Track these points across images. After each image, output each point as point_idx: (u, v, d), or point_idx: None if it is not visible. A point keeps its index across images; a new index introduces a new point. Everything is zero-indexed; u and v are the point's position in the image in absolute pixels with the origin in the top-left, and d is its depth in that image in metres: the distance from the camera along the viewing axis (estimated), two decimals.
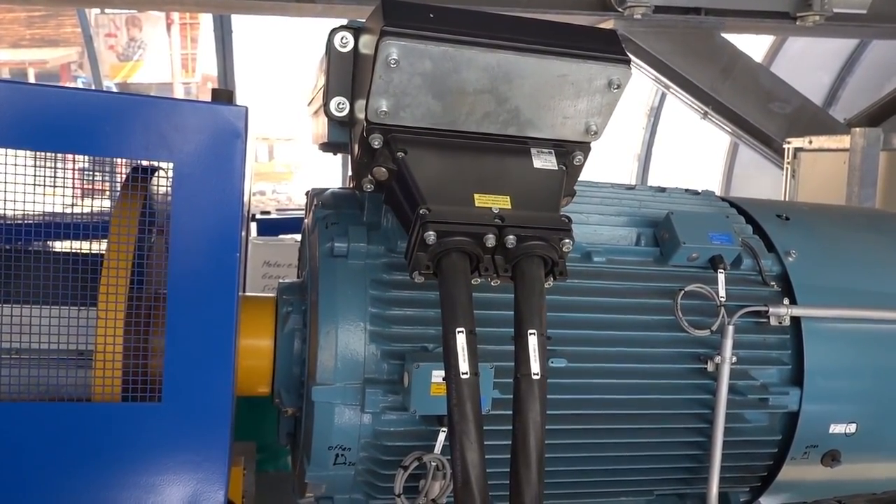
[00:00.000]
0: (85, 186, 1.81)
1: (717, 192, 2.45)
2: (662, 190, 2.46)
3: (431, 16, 1.50)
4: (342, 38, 1.72)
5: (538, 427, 1.45)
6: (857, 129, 4.40)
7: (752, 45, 7.74)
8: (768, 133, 5.34)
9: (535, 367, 1.47)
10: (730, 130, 5.67)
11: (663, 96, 8.42)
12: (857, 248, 2.36)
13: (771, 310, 2.09)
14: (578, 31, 1.60)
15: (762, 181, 7.58)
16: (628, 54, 1.67)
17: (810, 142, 4.88)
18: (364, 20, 1.69)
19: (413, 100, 1.56)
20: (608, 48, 1.59)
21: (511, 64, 1.54)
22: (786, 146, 5.08)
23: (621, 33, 4.70)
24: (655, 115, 8.63)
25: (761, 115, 5.24)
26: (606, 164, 9.24)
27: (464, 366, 1.45)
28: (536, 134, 1.69)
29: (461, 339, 1.46)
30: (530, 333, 1.49)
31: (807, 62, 8.33)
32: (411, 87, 1.53)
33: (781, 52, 8.20)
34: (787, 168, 5.07)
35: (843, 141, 4.56)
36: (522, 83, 1.57)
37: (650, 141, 8.78)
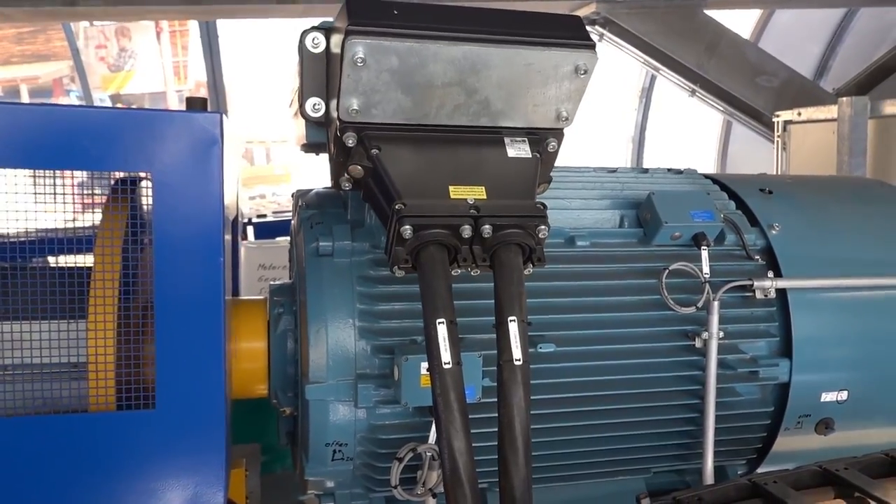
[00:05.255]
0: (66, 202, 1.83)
1: (713, 170, 2.47)
2: (645, 171, 2.48)
3: (395, 12, 1.51)
4: (314, 39, 1.72)
5: (523, 412, 1.47)
6: (844, 99, 4.39)
7: (740, 19, 7.72)
8: (757, 107, 5.33)
9: (516, 353, 1.49)
10: (719, 107, 5.66)
11: (653, 77, 8.40)
12: (840, 217, 2.37)
13: (756, 283, 2.11)
14: (542, 18, 1.61)
15: (757, 156, 7.57)
16: (594, 39, 1.68)
17: (799, 114, 4.88)
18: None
19: (383, 96, 1.57)
20: (573, 34, 1.60)
21: (476, 55, 1.55)
22: (775, 119, 5.08)
23: (604, 16, 4.71)
24: (647, 96, 8.60)
25: (749, 89, 5.24)
26: (601, 148, 9.23)
27: (446, 356, 1.47)
28: (508, 123, 1.70)
29: (442, 330, 1.48)
30: (510, 320, 1.51)
31: (796, 34, 8.30)
32: (380, 83, 1.55)
33: (770, 25, 8.17)
34: (777, 141, 5.07)
35: (832, 111, 4.56)
36: (490, 74, 1.58)
37: (643, 123, 8.76)
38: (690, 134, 9.25)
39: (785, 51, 6.31)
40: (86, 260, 1.79)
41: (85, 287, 1.69)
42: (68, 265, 1.77)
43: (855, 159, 4.24)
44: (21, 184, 1.63)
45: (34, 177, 1.62)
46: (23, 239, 1.68)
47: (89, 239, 1.79)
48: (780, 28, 8.12)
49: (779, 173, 4.98)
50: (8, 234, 1.65)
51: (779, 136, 5.06)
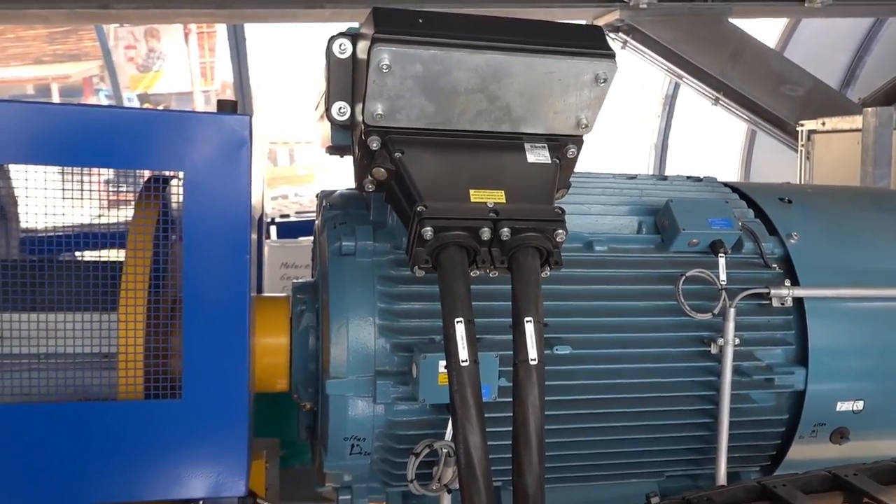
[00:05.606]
0: (103, 198, 1.90)
1: (737, 179, 2.50)
2: (664, 178, 2.51)
3: (420, 21, 1.56)
4: (341, 45, 1.78)
5: (537, 410, 1.51)
6: (869, 109, 4.37)
7: (766, 28, 7.68)
8: (781, 116, 5.31)
9: (532, 353, 1.53)
10: (743, 116, 5.65)
11: (677, 85, 8.38)
12: (859, 227, 2.38)
13: (772, 291, 2.12)
14: (563, 28, 1.65)
15: (781, 166, 7.53)
16: (616, 46, 1.72)
17: (823, 123, 4.86)
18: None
19: (407, 102, 1.62)
20: (593, 44, 1.64)
21: (499, 63, 1.60)
22: (799, 129, 5.06)
23: (628, 23, 4.72)
24: (670, 103, 8.58)
25: (773, 98, 5.22)
26: (624, 154, 9.22)
27: (463, 354, 1.51)
28: (529, 129, 1.74)
29: (460, 329, 1.52)
30: (527, 321, 1.55)
31: (823, 43, 8.23)
32: (404, 89, 1.60)
33: (797, 34, 8.11)
34: (801, 150, 5.05)
35: (856, 121, 4.53)
36: (511, 81, 1.62)
37: (666, 130, 8.74)
38: (714, 142, 9.21)
39: (812, 60, 6.27)
40: (118, 254, 1.85)
41: (116, 280, 1.76)
42: (101, 259, 1.84)
43: (879, 170, 4.21)
44: (58, 181, 1.70)
45: (72, 174, 1.69)
46: (59, 234, 1.75)
47: (121, 234, 1.86)
48: (807, 37, 8.06)
49: (801, 182, 4.96)
50: (45, 228, 1.72)
51: (802, 146, 5.04)
